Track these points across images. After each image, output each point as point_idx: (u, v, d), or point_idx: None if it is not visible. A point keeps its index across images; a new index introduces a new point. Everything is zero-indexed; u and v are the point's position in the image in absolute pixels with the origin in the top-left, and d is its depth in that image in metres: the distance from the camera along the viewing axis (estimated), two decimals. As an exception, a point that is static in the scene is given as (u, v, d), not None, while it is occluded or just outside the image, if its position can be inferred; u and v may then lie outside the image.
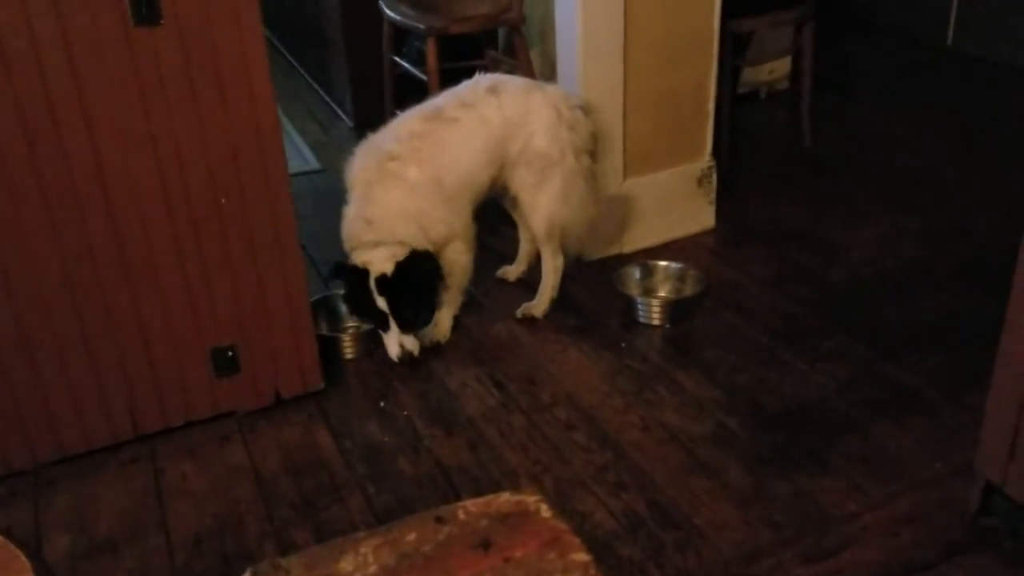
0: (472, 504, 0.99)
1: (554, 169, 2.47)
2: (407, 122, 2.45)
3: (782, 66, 4.16)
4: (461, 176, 2.41)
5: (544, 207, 2.51)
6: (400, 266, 2.32)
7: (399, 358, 2.39)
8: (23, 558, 1.02)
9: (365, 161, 2.41)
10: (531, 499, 0.99)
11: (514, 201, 2.59)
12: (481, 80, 2.51)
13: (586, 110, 2.55)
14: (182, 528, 1.96)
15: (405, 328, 2.38)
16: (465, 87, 2.50)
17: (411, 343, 2.40)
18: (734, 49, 3.38)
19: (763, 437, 2.15)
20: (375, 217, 2.35)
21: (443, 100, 2.49)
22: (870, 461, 2.05)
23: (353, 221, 2.39)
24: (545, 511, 0.97)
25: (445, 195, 2.40)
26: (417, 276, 2.35)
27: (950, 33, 4.65)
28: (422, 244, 2.37)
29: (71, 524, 1.98)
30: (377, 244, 2.34)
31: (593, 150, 2.58)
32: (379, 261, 2.33)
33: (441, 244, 2.45)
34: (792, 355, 2.43)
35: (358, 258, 2.35)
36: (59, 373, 2.05)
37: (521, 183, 2.51)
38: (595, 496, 1.99)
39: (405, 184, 2.36)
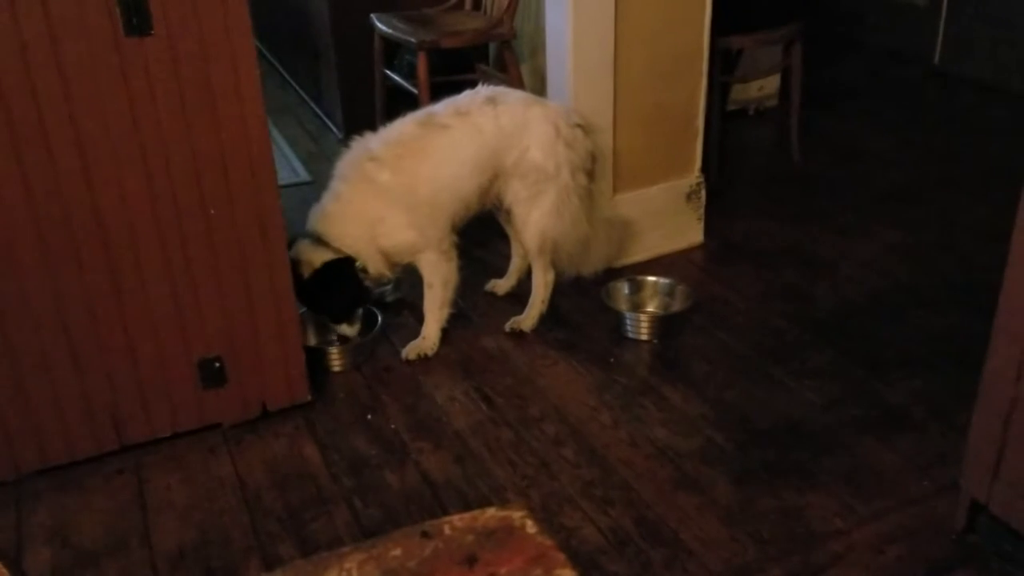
0: (458, 519, 0.98)
1: (549, 184, 2.48)
2: (400, 126, 2.48)
3: (771, 83, 4.19)
4: (441, 184, 2.42)
5: (537, 222, 2.51)
6: (314, 274, 2.43)
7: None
8: (3, 569, 1.01)
9: (350, 156, 2.49)
10: (517, 515, 0.98)
11: (508, 214, 2.60)
12: (481, 90, 2.53)
13: (586, 129, 2.55)
14: (166, 541, 1.95)
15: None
16: (464, 96, 2.52)
17: (346, 330, 2.55)
18: (724, 66, 3.40)
19: (751, 453, 2.15)
20: (332, 212, 2.46)
21: (440, 107, 2.52)
22: (857, 478, 2.05)
23: (317, 208, 2.49)
24: (531, 527, 0.97)
25: (418, 202, 2.41)
26: (316, 289, 2.44)
27: (937, 53, 4.69)
28: (365, 251, 2.44)
29: (53, 536, 1.97)
30: (317, 243, 2.45)
31: (591, 169, 2.58)
32: (303, 260, 2.44)
33: (408, 254, 2.49)
34: (780, 371, 2.43)
35: (297, 247, 2.44)
36: (44, 383, 2.04)
37: (515, 196, 2.51)
38: (582, 512, 1.98)
39: (373, 187, 2.41)
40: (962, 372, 2.33)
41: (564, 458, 2.15)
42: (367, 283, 2.51)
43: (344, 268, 2.44)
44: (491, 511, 0.98)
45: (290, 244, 2.42)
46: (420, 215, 2.42)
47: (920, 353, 2.49)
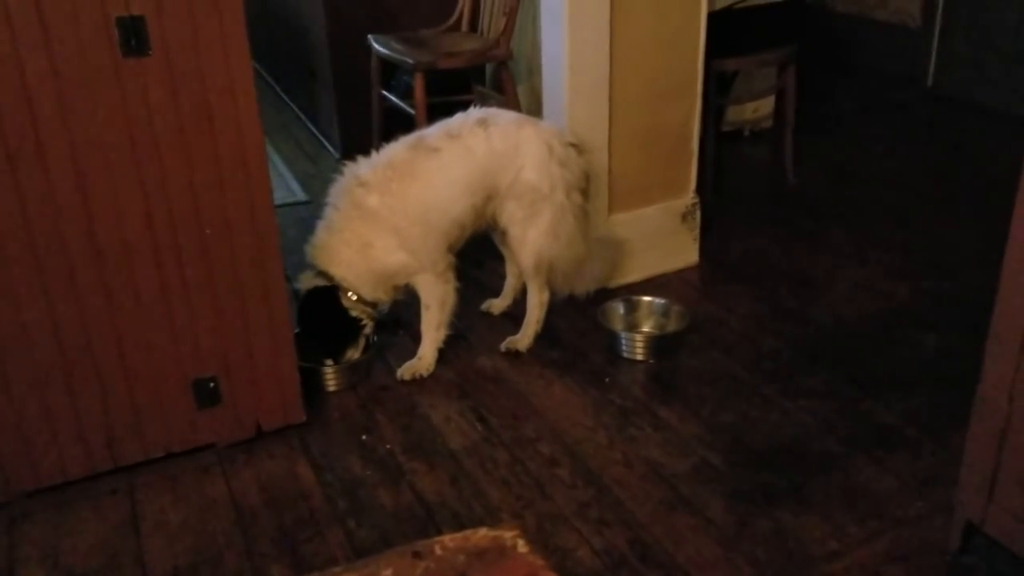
0: (450, 539, 0.98)
1: (544, 204, 2.48)
2: (391, 150, 2.49)
3: (766, 105, 4.22)
4: (430, 204, 2.43)
5: (533, 242, 2.52)
6: (301, 301, 2.48)
7: None
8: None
9: (342, 183, 2.50)
10: (508, 534, 0.98)
11: (503, 235, 2.60)
12: (473, 112, 2.54)
13: (580, 149, 2.57)
14: (159, 562, 1.93)
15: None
16: (456, 118, 2.53)
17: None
18: (718, 88, 3.43)
19: (746, 474, 2.14)
20: (325, 243, 2.48)
21: (431, 130, 2.53)
22: (852, 499, 2.05)
23: (312, 242, 2.51)
24: (522, 546, 0.97)
25: (408, 223, 2.42)
26: (306, 312, 2.48)
27: (930, 75, 4.73)
28: (359, 278, 2.46)
29: (46, 556, 1.95)
30: (315, 272, 2.49)
31: (585, 188, 2.59)
32: (302, 288, 2.50)
33: (402, 276, 2.50)
34: (775, 392, 2.43)
35: (301, 276, 2.51)
36: (37, 402, 2.03)
37: (510, 217, 2.52)
38: (577, 533, 1.98)
39: (361, 212, 2.43)
40: (956, 392, 2.33)
41: (559, 478, 2.15)
42: (356, 313, 2.50)
43: (324, 297, 2.46)
44: (483, 531, 0.98)
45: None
46: (410, 236, 2.43)
47: (914, 373, 2.49)
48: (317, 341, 2.51)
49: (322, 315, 2.48)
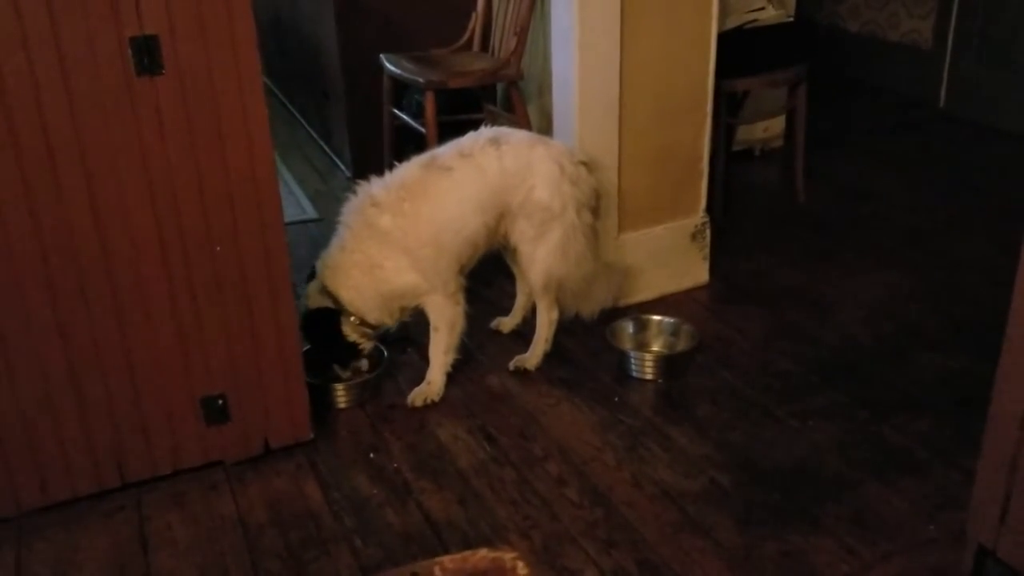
0: (449, 560, 0.98)
1: (554, 222, 2.49)
2: (404, 170, 2.49)
3: (776, 125, 4.21)
4: (443, 225, 2.43)
5: (542, 260, 2.52)
6: (306, 315, 2.47)
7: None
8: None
9: (355, 202, 2.50)
10: (508, 556, 0.97)
11: (514, 253, 2.60)
12: (485, 132, 2.54)
13: (590, 167, 2.57)
14: (165, 579, 1.94)
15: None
16: (468, 138, 2.53)
17: (337, 369, 2.56)
18: (729, 107, 3.43)
19: (755, 495, 2.13)
20: (336, 263, 2.48)
21: (444, 149, 2.53)
22: (862, 522, 2.03)
23: (324, 259, 2.51)
24: (522, 569, 0.96)
25: (420, 244, 2.42)
26: (305, 330, 2.44)
27: (942, 96, 4.72)
28: (366, 300, 2.46)
29: (54, 573, 1.95)
30: (323, 290, 2.48)
31: (595, 207, 2.59)
32: (306, 303, 2.50)
33: (412, 297, 2.50)
34: (785, 413, 2.42)
35: (308, 286, 2.51)
36: (47, 419, 2.04)
37: (521, 235, 2.52)
38: (585, 553, 1.97)
39: (373, 232, 2.43)
40: (967, 414, 2.31)
41: (567, 498, 2.14)
42: (354, 338, 2.51)
43: (325, 320, 2.46)
44: (482, 552, 0.98)
45: (311, 275, 2.50)
46: (422, 257, 2.43)
47: (925, 395, 2.48)
48: (319, 358, 2.52)
49: (319, 337, 2.48)
